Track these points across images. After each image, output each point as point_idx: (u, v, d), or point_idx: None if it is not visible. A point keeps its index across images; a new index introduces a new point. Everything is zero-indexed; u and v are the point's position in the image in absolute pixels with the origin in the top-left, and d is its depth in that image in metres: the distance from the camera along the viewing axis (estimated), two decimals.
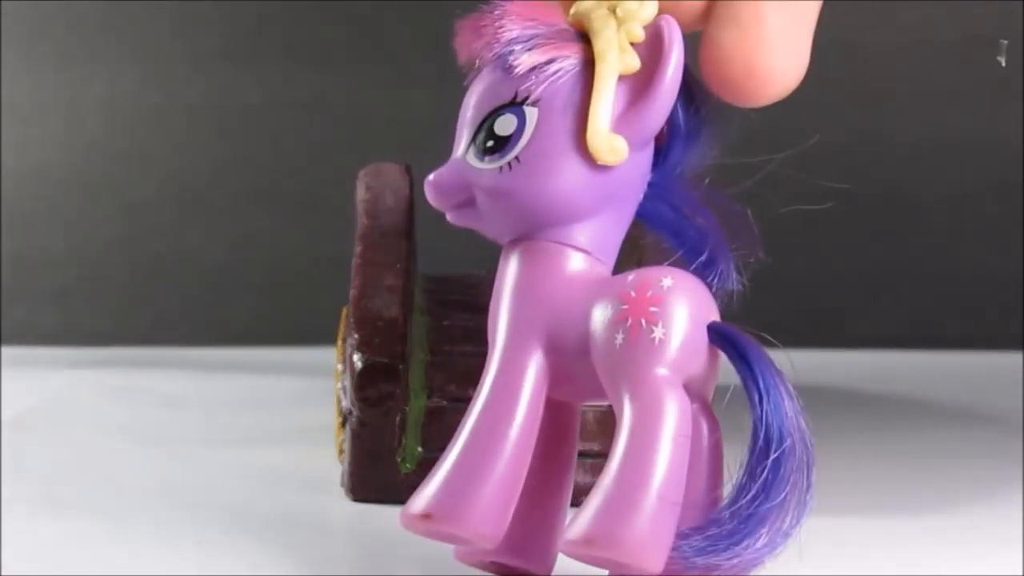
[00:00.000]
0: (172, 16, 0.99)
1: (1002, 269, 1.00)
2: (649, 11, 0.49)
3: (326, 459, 0.69)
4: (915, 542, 0.60)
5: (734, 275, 0.52)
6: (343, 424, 0.66)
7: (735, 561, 0.47)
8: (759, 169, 1.05)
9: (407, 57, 0.99)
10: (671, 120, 0.50)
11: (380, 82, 1.00)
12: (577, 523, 0.46)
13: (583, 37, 0.49)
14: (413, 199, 0.72)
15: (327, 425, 0.72)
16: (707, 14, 0.51)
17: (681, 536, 0.46)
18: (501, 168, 0.48)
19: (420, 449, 0.65)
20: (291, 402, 0.84)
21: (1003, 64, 0.63)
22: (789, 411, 0.49)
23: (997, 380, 0.91)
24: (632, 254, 0.75)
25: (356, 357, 0.64)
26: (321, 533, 0.61)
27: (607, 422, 0.66)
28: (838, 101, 1.00)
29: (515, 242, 0.50)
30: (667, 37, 0.48)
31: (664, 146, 0.51)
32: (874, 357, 0.98)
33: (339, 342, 0.70)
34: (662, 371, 0.47)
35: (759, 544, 0.47)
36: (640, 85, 0.48)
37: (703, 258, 0.51)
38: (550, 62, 0.48)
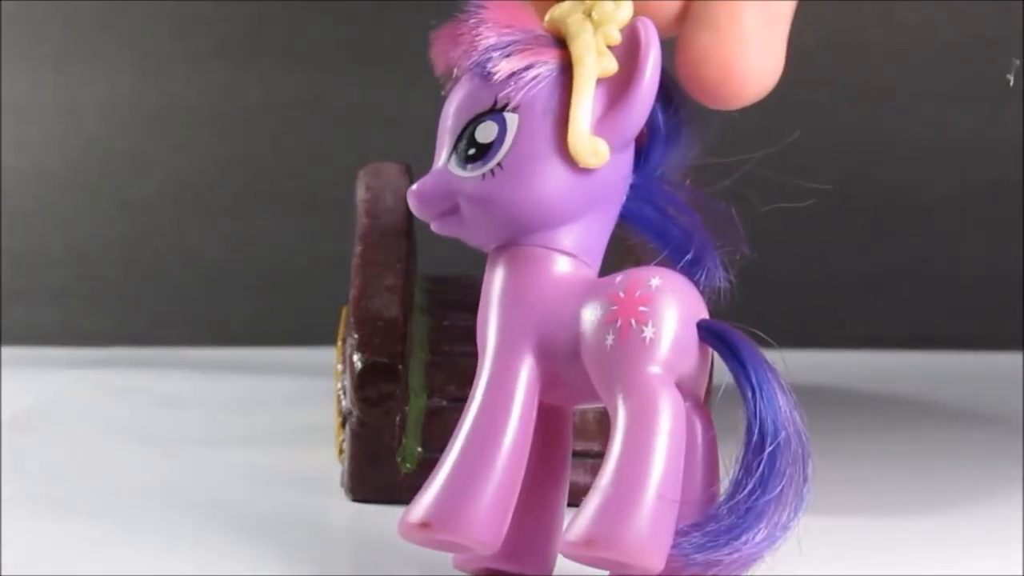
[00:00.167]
0: (172, 16, 0.99)
1: (1002, 269, 1.00)
2: (625, 13, 0.49)
3: (326, 459, 0.69)
4: (915, 542, 0.60)
5: (721, 273, 0.52)
6: (343, 424, 0.66)
7: (735, 556, 0.47)
8: (758, 169, 1.05)
9: (407, 57, 0.99)
10: (650, 121, 0.50)
11: (380, 82, 1.00)
12: (576, 524, 0.46)
13: (560, 42, 0.49)
14: None
15: (327, 425, 0.72)
16: (683, 16, 0.51)
17: (680, 533, 0.46)
18: (484, 175, 0.48)
19: (420, 449, 0.65)
20: (291, 402, 0.84)
21: (1011, 84, 0.63)
22: (783, 405, 0.49)
23: (997, 380, 0.91)
24: (630, 255, 0.75)
25: (356, 357, 0.64)
26: (321, 533, 0.61)
27: (607, 422, 0.66)
28: (838, 101, 1.00)
29: (500, 249, 0.50)
30: (644, 39, 0.49)
31: (644, 147, 0.51)
32: (873, 357, 0.98)
33: (339, 342, 0.70)
34: (654, 370, 0.48)
35: (758, 539, 0.47)
36: (618, 88, 0.49)
37: (689, 257, 0.51)
38: (528, 68, 0.49)
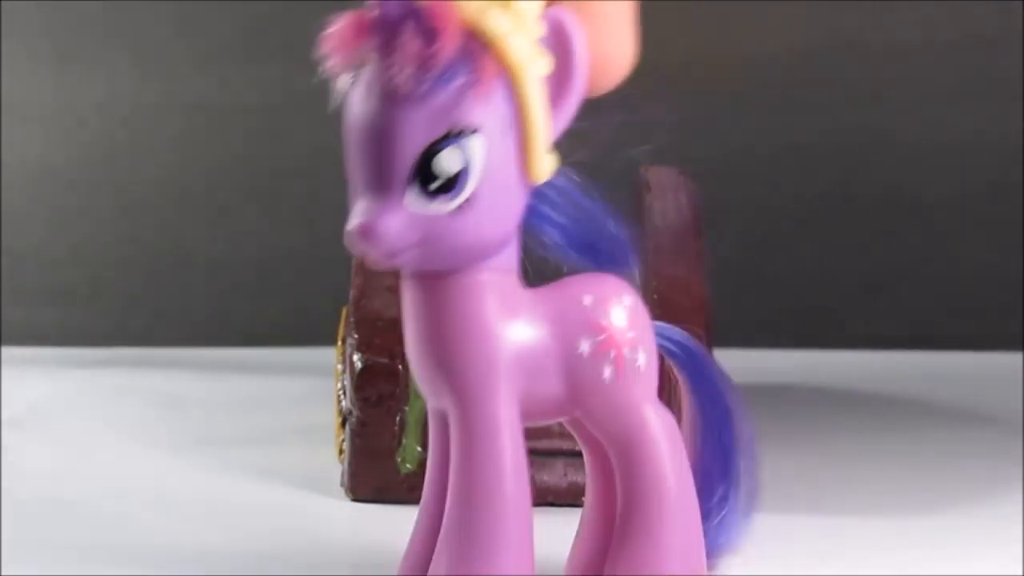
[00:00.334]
0: (172, 16, 0.99)
1: (1002, 269, 1.00)
2: (537, 5, 0.45)
3: (326, 459, 0.69)
4: (915, 542, 0.60)
5: (633, 259, 0.49)
6: (343, 424, 0.66)
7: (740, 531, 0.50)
8: (759, 169, 1.05)
9: None
10: None
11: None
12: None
13: (483, 45, 0.44)
14: None
15: (327, 425, 0.72)
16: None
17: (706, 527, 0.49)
18: (456, 208, 0.44)
19: (420, 449, 0.65)
20: (291, 402, 0.84)
21: None
22: (729, 397, 0.51)
23: (997, 380, 0.91)
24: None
25: (356, 357, 0.64)
26: (321, 533, 0.61)
27: None
28: (838, 101, 1.00)
29: (441, 276, 0.45)
30: (570, 31, 0.45)
31: None
32: (874, 357, 0.98)
33: (339, 342, 0.70)
34: (649, 394, 0.47)
35: (742, 505, 0.50)
36: (554, 88, 0.45)
37: (599, 250, 0.48)
38: (476, 82, 0.44)
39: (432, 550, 0.47)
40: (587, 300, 0.47)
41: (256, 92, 1.00)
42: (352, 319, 0.65)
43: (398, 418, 0.64)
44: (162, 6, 0.99)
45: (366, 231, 0.44)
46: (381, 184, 0.44)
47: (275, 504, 0.64)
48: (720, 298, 0.68)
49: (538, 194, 0.46)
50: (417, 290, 0.46)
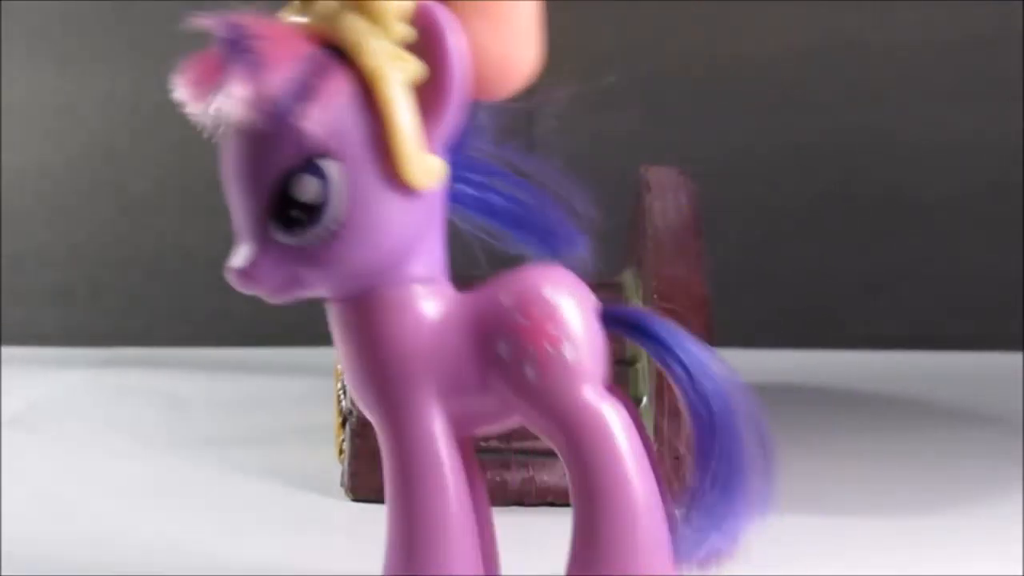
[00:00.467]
0: (172, 16, 0.99)
1: (1002, 269, 1.00)
2: (405, 4, 0.43)
3: (326, 459, 0.69)
4: (915, 542, 0.60)
5: (580, 238, 0.47)
6: (343, 424, 0.66)
7: (730, 533, 0.46)
8: (759, 169, 1.05)
9: None
10: None
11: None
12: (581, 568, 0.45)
13: (338, 53, 0.42)
14: None
15: (327, 425, 0.72)
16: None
17: (674, 531, 0.46)
18: (323, 238, 0.42)
19: None
20: (291, 402, 0.84)
21: None
22: (716, 371, 0.45)
23: (997, 380, 0.91)
24: (631, 255, 0.76)
25: None
26: (321, 533, 0.61)
27: None
28: (838, 101, 1.00)
29: (351, 299, 0.45)
30: (438, 26, 0.43)
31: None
32: (874, 357, 0.98)
33: None
34: (585, 387, 0.45)
35: (744, 510, 0.46)
36: (430, 90, 0.43)
37: (541, 232, 0.47)
38: (325, 102, 0.42)
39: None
40: (504, 299, 0.45)
41: None
42: None
43: None
44: (162, 6, 0.99)
45: (240, 275, 0.44)
46: (249, 224, 0.44)
47: (275, 504, 0.64)
48: (720, 298, 0.68)
49: (476, 183, 0.45)
50: (333, 312, 0.46)
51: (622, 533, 0.45)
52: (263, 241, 0.43)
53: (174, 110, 1.09)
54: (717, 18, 0.99)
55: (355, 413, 0.64)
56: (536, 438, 0.66)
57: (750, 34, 0.99)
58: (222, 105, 0.42)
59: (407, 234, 0.43)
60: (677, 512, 0.46)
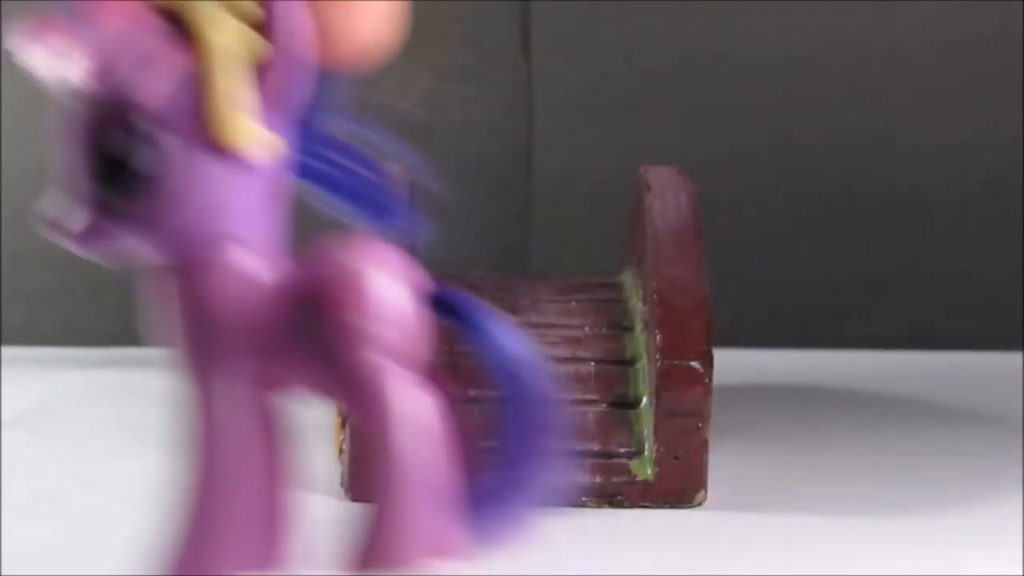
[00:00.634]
0: None
1: (1002, 269, 1.00)
2: None
3: (326, 459, 0.69)
4: (915, 542, 0.60)
5: (419, 220, 0.48)
6: (343, 424, 0.66)
7: (528, 506, 0.46)
8: (759, 168, 1.05)
9: (407, 57, 0.99)
10: None
11: (380, 82, 0.99)
12: (356, 545, 0.45)
13: (179, 25, 0.43)
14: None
15: (327, 425, 0.72)
16: None
17: (465, 511, 0.46)
18: (151, 204, 0.43)
19: None
20: (291, 402, 0.84)
21: None
22: (531, 361, 0.46)
23: (997, 380, 0.91)
24: (632, 254, 0.76)
25: None
26: (321, 533, 0.61)
27: (606, 422, 0.66)
28: (838, 101, 1.00)
29: (174, 262, 0.45)
30: (276, 4, 0.43)
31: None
32: (873, 357, 0.98)
33: None
34: (380, 358, 0.45)
35: (545, 478, 0.46)
36: (271, 63, 0.43)
37: (379, 208, 0.47)
38: (160, 71, 0.43)
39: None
40: (325, 270, 0.45)
41: None
42: None
43: None
44: None
45: (57, 227, 0.44)
46: (77, 185, 0.44)
47: None
48: (720, 298, 0.68)
49: (320, 157, 0.46)
50: (155, 276, 0.46)
51: (397, 513, 0.45)
52: (91, 203, 0.44)
53: None
54: (717, 18, 0.99)
55: None
56: None
57: (750, 34, 0.99)
58: (58, 68, 0.44)
59: (236, 204, 0.44)
60: (475, 496, 0.46)
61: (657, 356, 0.64)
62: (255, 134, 0.43)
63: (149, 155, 0.43)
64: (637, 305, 0.72)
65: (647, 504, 0.65)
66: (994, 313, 1.00)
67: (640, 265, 0.72)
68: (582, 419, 0.66)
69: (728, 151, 0.99)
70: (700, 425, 0.64)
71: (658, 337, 0.65)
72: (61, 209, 0.44)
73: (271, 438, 0.48)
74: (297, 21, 0.43)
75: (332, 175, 0.46)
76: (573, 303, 0.73)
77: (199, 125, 0.43)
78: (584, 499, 0.65)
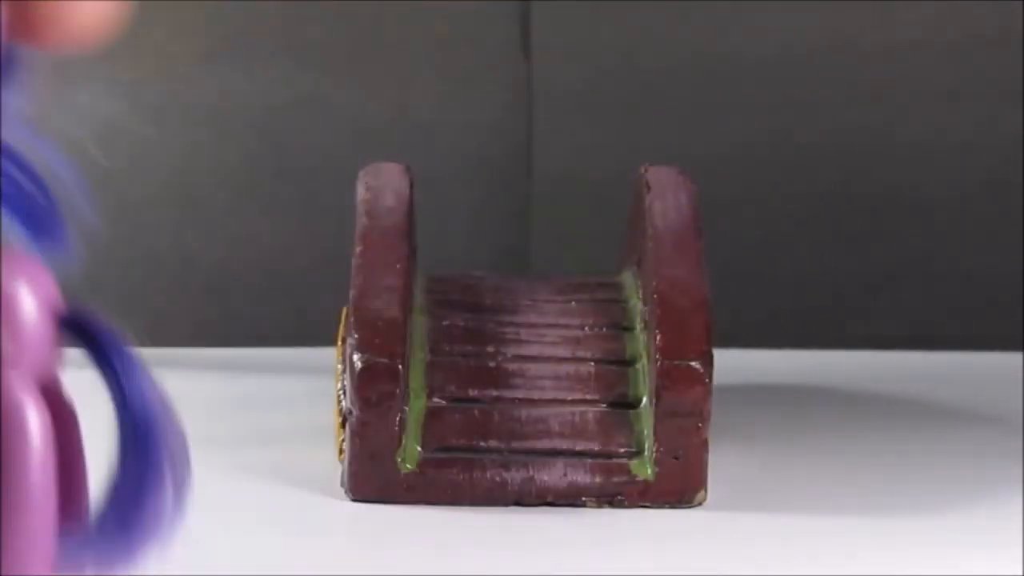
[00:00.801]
0: (172, 16, 0.99)
1: (1002, 269, 1.00)
2: None
3: (326, 459, 0.69)
4: (915, 542, 0.60)
5: (72, 245, 0.47)
6: (343, 424, 0.66)
7: (133, 547, 0.45)
8: (759, 168, 1.05)
9: (407, 57, 0.99)
10: None
11: (380, 82, 1.00)
12: None
13: None
14: (413, 199, 0.72)
15: (327, 425, 0.72)
16: None
17: (71, 538, 0.44)
18: None
19: (420, 449, 0.65)
20: (291, 402, 0.84)
21: None
22: (149, 388, 0.46)
23: (997, 380, 0.91)
24: (632, 254, 0.76)
25: (356, 357, 0.64)
26: (321, 533, 0.61)
27: (607, 422, 0.66)
28: (838, 101, 1.00)
29: None
30: None
31: None
32: (873, 357, 0.98)
33: (339, 342, 0.70)
34: (14, 376, 0.44)
35: (153, 523, 0.45)
36: None
37: (29, 218, 0.45)
38: None
39: None
40: None
41: (256, 92, 1.00)
42: (352, 319, 0.65)
43: (398, 418, 0.64)
44: (162, 6, 0.99)
45: None
46: None
47: (275, 504, 0.64)
48: (720, 298, 0.68)
49: None
50: None
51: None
52: None
53: (174, 110, 1.09)
54: (717, 18, 0.99)
55: (355, 413, 0.64)
56: (536, 438, 0.66)
57: (750, 34, 0.99)
58: None
59: None
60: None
61: (657, 356, 0.64)
62: None
63: None
64: (637, 305, 0.72)
65: (647, 504, 0.65)
66: (994, 313, 1.00)
67: (640, 265, 0.72)
68: (582, 419, 0.66)
69: (728, 151, 0.99)
70: (700, 425, 0.64)
71: (658, 337, 0.65)
72: None
73: None
74: None
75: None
76: (573, 303, 0.73)
77: None
78: (584, 499, 0.65)
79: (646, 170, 0.73)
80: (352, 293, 0.66)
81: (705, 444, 0.65)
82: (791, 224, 1.01)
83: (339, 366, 0.69)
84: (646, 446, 0.65)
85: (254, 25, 0.99)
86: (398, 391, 0.64)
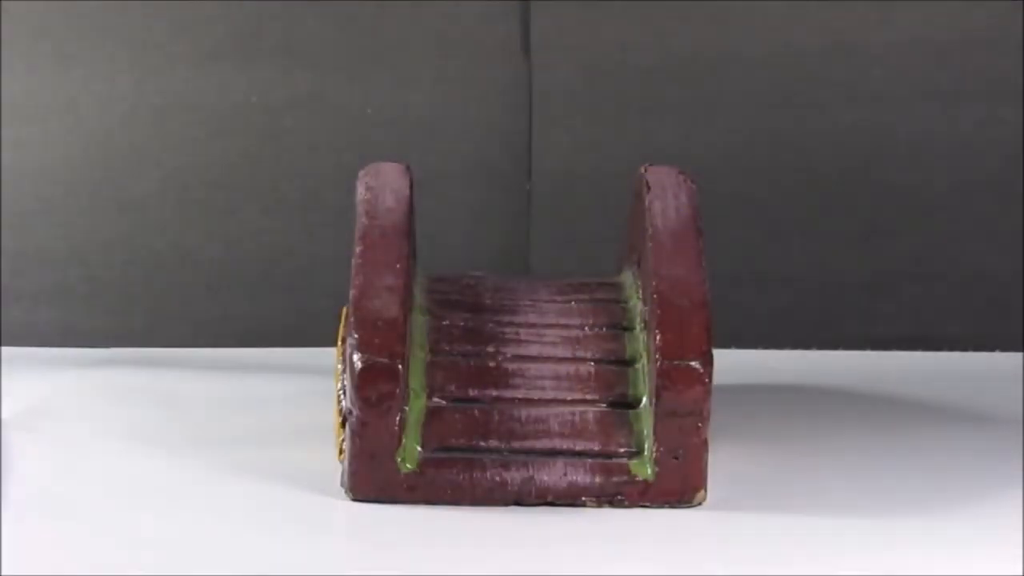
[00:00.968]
0: (172, 16, 0.99)
1: (1002, 269, 1.00)
2: None
3: (326, 459, 0.69)
4: (915, 542, 0.60)
5: None
6: (343, 424, 0.66)
7: None
8: (759, 168, 1.05)
9: (407, 57, 0.99)
10: None
11: (380, 82, 1.00)
12: None
13: None
14: (413, 199, 0.72)
15: (327, 425, 0.72)
16: None
17: None
18: None
19: (420, 449, 0.65)
20: (291, 402, 0.84)
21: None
22: None
23: (997, 380, 0.91)
24: (632, 254, 0.76)
25: (356, 357, 0.64)
26: (321, 533, 0.61)
27: (606, 422, 0.66)
28: (838, 101, 1.00)
29: None
30: None
31: None
32: (874, 357, 0.98)
33: (339, 342, 0.70)
34: None
35: None
36: None
37: None
38: None
39: None
40: None
41: (256, 92, 1.00)
42: (352, 319, 0.65)
43: (398, 418, 0.64)
44: (162, 6, 0.99)
45: None
46: None
47: (275, 504, 0.64)
48: (720, 298, 0.68)
49: None
50: None
51: None
52: None
53: (174, 110, 1.09)
54: (717, 18, 0.99)
55: (355, 413, 0.64)
56: (536, 438, 0.66)
57: (750, 33, 0.99)
58: None
59: None
60: None
61: (657, 356, 0.65)
62: None
63: None
64: (637, 305, 0.72)
65: (647, 504, 0.65)
66: (994, 313, 1.00)
67: (640, 265, 0.72)
68: (582, 419, 0.66)
69: (728, 151, 0.99)
70: (700, 425, 0.64)
71: (658, 337, 0.65)
72: None
73: None
74: None
75: None
76: (573, 303, 0.73)
77: None
78: (584, 499, 0.65)
79: (646, 170, 0.73)
80: (352, 293, 0.66)
81: (705, 444, 0.65)
82: (791, 224, 1.01)
83: (339, 366, 0.69)
84: (646, 446, 0.65)
85: (254, 25, 0.99)
86: (398, 391, 0.64)
